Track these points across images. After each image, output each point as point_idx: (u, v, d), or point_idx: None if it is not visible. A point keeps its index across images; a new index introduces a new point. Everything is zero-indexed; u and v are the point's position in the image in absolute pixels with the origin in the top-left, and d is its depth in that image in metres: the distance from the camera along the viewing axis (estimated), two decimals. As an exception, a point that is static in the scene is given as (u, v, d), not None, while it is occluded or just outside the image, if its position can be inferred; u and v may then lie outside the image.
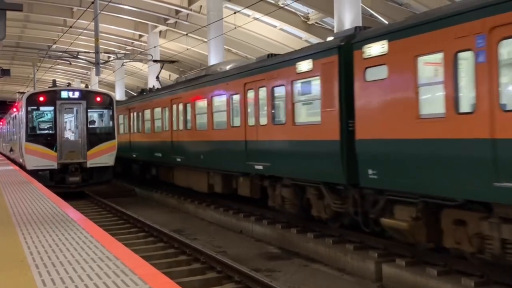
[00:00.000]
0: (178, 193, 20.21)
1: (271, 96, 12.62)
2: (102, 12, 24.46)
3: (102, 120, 21.90)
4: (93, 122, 21.56)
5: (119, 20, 36.94)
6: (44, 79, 55.94)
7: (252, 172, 13.64)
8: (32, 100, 20.86)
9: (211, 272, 9.89)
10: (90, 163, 20.51)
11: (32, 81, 47.42)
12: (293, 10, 29.70)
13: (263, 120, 13.04)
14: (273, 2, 28.17)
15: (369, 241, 10.74)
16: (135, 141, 24.15)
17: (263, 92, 13.00)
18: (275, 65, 12.51)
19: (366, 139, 9.58)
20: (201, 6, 31.10)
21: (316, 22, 30.01)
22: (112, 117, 21.60)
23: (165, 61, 25.63)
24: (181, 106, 18.48)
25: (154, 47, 34.33)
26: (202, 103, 16.84)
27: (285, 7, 28.05)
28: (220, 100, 15.60)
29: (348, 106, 10.10)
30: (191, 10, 31.78)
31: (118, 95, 45.15)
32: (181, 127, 18.53)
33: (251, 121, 13.63)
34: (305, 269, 10.43)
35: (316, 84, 11.15)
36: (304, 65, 11.31)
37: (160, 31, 38.36)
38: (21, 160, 21.86)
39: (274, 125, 12.52)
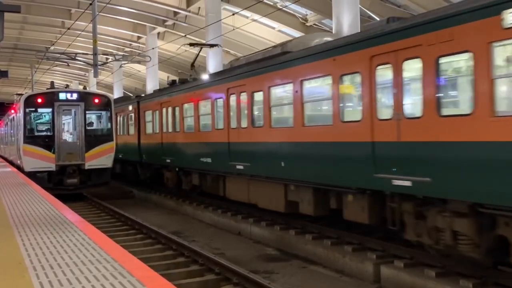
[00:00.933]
0: (177, 195, 20.19)
1: (435, 72, 8.10)
2: (100, 13, 24.44)
3: (100, 122, 21.91)
4: (91, 123, 21.57)
5: (117, 21, 36.92)
6: (42, 80, 55.91)
7: (386, 190, 9.24)
8: (30, 102, 20.85)
9: (210, 274, 9.88)
10: (88, 165, 20.49)
11: (30, 82, 47.39)
12: (291, 12, 29.72)
13: (414, 110, 8.69)
14: (272, 3, 28.20)
15: (367, 243, 10.74)
16: (170, 143, 19.58)
17: (414, 67, 8.62)
18: (446, 20, 7.90)
19: None
20: (199, 8, 31.11)
21: (314, 24, 30.03)
22: (110, 119, 21.60)
23: (204, 45, 21.34)
24: (244, 97, 13.98)
25: (153, 48, 34.32)
26: (282, 91, 12.56)
27: (284, 8, 28.06)
28: (318, 85, 11.43)
29: None
30: (189, 11, 31.78)
31: (117, 97, 45.12)
32: (244, 124, 14.01)
33: (384, 113, 9.27)
34: (304, 271, 10.42)
35: None
36: None
37: (158, 33, 38.36)
38: (19, 162, 21.83)
39: (443, 118, 7.98)
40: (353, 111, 10.26)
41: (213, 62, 25.74)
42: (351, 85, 10.31)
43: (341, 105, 10.31)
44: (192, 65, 20.77)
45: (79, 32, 30.68)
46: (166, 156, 19.79)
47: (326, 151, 10.73)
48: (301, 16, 29.91)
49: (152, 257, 11.08)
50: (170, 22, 35.38)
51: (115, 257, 5.76)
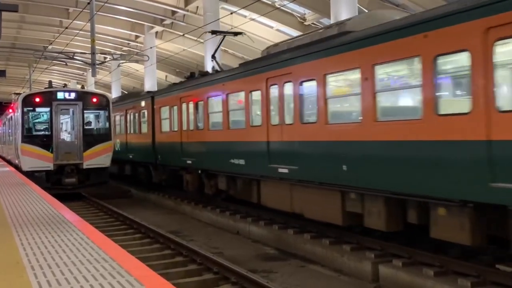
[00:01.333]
0: (175, 195, 20.17)
1: None
2: (98, 13, 24.41)
3: (98, 121, 21.89)
4: (89, 123, 21.55)
5: (115, 21, 36.90)
6: (40, 80, 55.84)
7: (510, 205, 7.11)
8: (28, 101, 20.83)
9: (208, 273, 9.87)
10: (86, 165, 20.47)
11: (28, 82, 47.33)
12: (289, 11, 29.74)
13: None
14: (270, 2, 28.21)
15: (365, 242, 10.73)
16: (191, 142, 17.32)
17: None
18: None
19: None
20: (197, 7, 31.11)
21: (312, 23, 30.05)
22: (108, 118, 21.57)
23: (227, 33, 19.20)
24: (289, 87, 11.79)
25: (151, 47, 34.29)
26: (345, 79, 10.57)
27: (282, 7, 28.08)
28: (399, 69, 9.39)
29: None
30: (187, 10, 31.78)
31: (115, 96, 45.12)
32: (289, 120, 11.84)
33: (509, 102, 7.29)
34: (302, 270, 10.42)
35: None
36: None
37: (157, 32, 38.35)
38: (17, 161, 21.81)
39: None
40: (456, 101, 8.22)
41: (211, 62, 25.69)
42: (453, 67, 8.24)
43: (436, 93, 8.09)
44: (213, 55, 18.57)
45: (77, 31, 30.67)
46: (187, 156, 17.57)
47: (411, 152, 8.49)
48: (299, 15, 29.93)
49: (151, 257, 11.08)
50: (168, 21, 35.38)
51: (114, 256, 5.75)
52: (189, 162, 17.45)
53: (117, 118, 26.23)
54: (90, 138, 20.87)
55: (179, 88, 18.93)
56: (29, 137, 20.49)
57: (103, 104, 21.55)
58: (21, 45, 45.24)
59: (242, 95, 13.99)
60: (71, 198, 19.94)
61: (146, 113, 22.12)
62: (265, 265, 10.77)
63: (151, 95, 21.74)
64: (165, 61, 40.00)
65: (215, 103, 15.73)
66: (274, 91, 12.45)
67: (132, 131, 24.17)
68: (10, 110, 27.22)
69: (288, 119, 11.88)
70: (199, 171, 17.06)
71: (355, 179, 9.76)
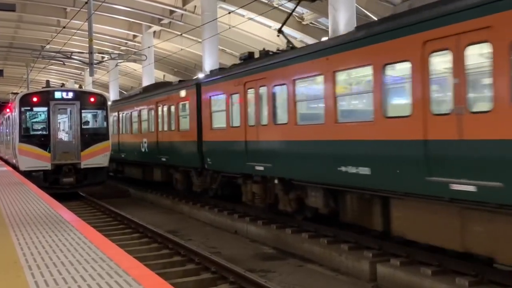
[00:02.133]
0: (173, 194, 20.15)
1: None
2: (95, 12, 24.38)
3: (96, 121, 21.87)
4: (87, 122, 21.53)
5: (113, 20, 36.85)
6: (38, 79, 55.78)
7: None
8: (25, 101, 20.81)
9: (206, 272, 9.87)
10: (84, 164, 20.45)
11: (25, 81, 47.26)
12: (287, 10, 29.69)
13: None
14: (268, 2, 28.20)
15: (363, 241, 10.75)
16: (265, 142, 13.01)
17: None
18: None
19: None
20: (195, 6, 31.09)
21: (310, 23, 30.07)
22: (106, 118, 21.56)
23: None
24: (481, 55, 7.51)
25: (148, 47, 34.27)
26: None
27: (280, 7, 28.07)
28: None
29: None
30: (185, 10, 31.77)
31: (112, 95, 45.06)
32: (479, 105, 7.57)
33: None
34: (300, 269, 10.42)
35: None
36: None
37: (154, 31, 38.32)
38: (14, 160, 21.79)
39: None
40: None
41: (209, 61, 25.71)
42: None
43: None
44: (280, 29, 14.80)
45: (75, 31, 30.64)
46: (255, 161, 13.38)
47: None
48: (297, 15, 29.91)
49: (148, 256, 11.08)
50: (166, 21, 35.34)
51: (111, 256, 5.74)
52: (259, 168, 13.22)
53: (143, 112, 22.40)
54: (88, 138, 20.86)
55: (242, 70, 14.24)
56: (26, 136, 20.47)
57: (101, 103, 21.52)
58: (19, 45, 45.17)
59: (366, 72, 9.63)
60: (68, 197, 19.93)
61: (188, 105, 17.83)
62: (263, 265, 10.78)
63: (196, 83, 17.31)
64: (163, 60, 39.96)
65: (310, 86, 11.60)
66: (439, 60, 8.10)
67: (165, 128, 19.89)
68: (8, 110, 27.17)
69: (477, 104, 7.54)
70: (276, 181, 12.82)
71: None
